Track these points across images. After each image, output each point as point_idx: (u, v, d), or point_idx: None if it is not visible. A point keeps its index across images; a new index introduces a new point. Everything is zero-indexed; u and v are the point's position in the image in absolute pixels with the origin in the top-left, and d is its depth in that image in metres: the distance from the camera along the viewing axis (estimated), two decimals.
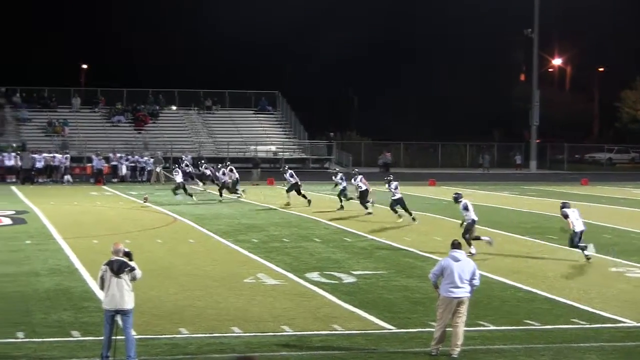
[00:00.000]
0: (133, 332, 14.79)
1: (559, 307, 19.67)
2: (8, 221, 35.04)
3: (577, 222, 25.93)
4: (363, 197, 37.86)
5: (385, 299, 20.18)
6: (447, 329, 15.37)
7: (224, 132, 75.09)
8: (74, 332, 16.67)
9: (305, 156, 72.57)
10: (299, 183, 41.79)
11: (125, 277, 14.53)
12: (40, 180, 57.19)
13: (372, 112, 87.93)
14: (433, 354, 15.41)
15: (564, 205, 26.61)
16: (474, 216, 26.92)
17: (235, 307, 19.06)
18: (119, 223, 34.92)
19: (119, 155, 60.17)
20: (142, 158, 60.41)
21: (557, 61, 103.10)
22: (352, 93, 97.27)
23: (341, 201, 39.18)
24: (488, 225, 33.53)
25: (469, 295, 15.46)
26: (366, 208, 37.65)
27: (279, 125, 77.53)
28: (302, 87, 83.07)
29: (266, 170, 63.20)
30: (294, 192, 41.29)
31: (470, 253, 25.78)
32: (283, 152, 72.61)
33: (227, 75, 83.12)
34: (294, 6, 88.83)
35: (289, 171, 42.16)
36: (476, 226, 27.20)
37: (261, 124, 77.64)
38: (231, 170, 45.84)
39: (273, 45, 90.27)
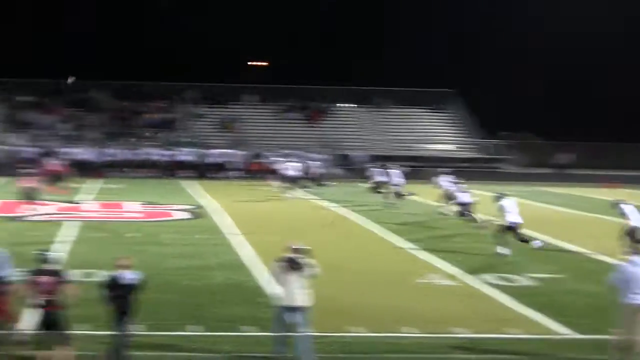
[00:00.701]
0: (306, 329, 14.68)
1: None
2: (182, 215, 35.71)
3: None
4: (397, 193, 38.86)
5: (562, 303, 19.56)
6: (630, 337, 14.72)
7: (395, 130, 74.74)
8: (246, 327, 16.69)
9: (478, 155, 71.53)
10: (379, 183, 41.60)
11: (300, 274, 14.45)
12: (213, 175, 58.21)
13: (548, 110, 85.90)
14: None
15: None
16: (512, 218, 26.34)
17: (406, 307, 18.81)
18: (292, 219, 35.01)
19: (291, 152, 60.60)
20: (316, 155, 60.81)
21: None
22: (525, 91, 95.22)
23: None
24: None
25: None
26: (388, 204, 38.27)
27: (451, 124, 76.66)
28: (477, 84, 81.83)
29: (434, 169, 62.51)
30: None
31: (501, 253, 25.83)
32: (456, 151, 71.83)
33: (400, 72, 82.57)
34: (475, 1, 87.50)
35: (376, 169, 42.22)
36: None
37: (433, 122, 76.99)
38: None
39: (449, 42, 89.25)
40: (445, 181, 37.38)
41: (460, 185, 33.99)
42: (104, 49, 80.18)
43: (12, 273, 14.80)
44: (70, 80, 75.92)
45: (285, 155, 55.64)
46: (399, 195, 39.54)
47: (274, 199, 43.69)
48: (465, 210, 33.33)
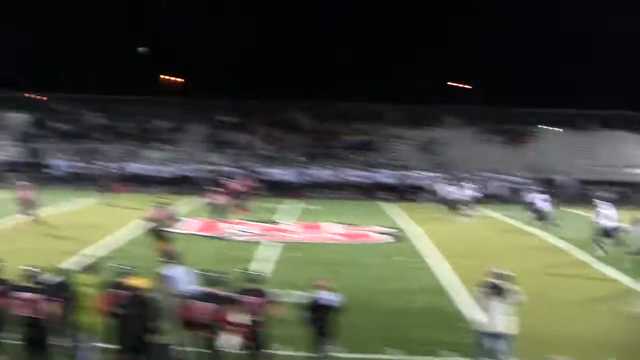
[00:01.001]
0: (509, 357, 14.27)
1: None
2: (382, 238, 35.63)
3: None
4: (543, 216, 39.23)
5: None
6: None
7: (603, 154, 72.68)
8: (446, 352, 16.47)
9: None
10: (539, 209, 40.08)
11: (504, 300, 14.08)
12: (413, 198, 58.01)
13: None
14: None
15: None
16: None
17: (611, 336, 18.29)
18: (494, 245, 34.37)
19: (492, 175, 59.89)
20: (520, 179, 59.75)
21: None
22: None
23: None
24: None
25: None
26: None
27: None
28: None
29: None
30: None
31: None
32: None
33: (604, 94, 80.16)
34: None
35: (538, 195, 41.00)
36: None
37: None
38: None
39: None
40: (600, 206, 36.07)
41: (608, 210, 32.63)
42: (306, 69, 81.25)
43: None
44: (142, 50, 77.98)
45: (445, 179, 54.99)
46: (541, 217, 39.13)
47: (481, 224, 42.87)
48: (600, 234, 32.12)
